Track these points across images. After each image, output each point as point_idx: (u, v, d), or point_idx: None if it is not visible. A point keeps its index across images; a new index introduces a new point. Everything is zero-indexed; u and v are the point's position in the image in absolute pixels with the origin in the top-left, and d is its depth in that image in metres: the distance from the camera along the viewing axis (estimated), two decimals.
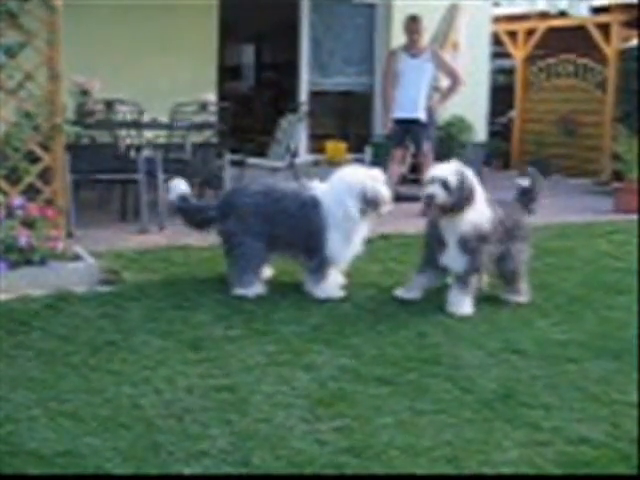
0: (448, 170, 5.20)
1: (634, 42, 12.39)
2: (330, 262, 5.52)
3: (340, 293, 5.54)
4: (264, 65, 15.50)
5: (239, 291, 5.41)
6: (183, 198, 5.72)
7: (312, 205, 5.48)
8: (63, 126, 6.01)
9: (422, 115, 8.76)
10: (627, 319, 5.24)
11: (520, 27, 13.72)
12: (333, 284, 5.57)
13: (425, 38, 8.97)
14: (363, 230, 5.61)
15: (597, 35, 12.35)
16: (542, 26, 13.25)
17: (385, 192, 5.50)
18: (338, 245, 5.49)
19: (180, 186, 5.74)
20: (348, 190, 5.44)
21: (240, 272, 5.47)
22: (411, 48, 8.80)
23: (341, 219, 5.45)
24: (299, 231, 5.50)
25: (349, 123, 12.43)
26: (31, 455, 3.23)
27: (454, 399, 3.93)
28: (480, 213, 5.24)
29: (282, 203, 5.51)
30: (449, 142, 10.73)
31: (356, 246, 5.61)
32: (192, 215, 5.76)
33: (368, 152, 10.66)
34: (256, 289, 5.44)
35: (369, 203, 5.45)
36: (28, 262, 5.45)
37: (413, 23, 8.78)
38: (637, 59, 11.37)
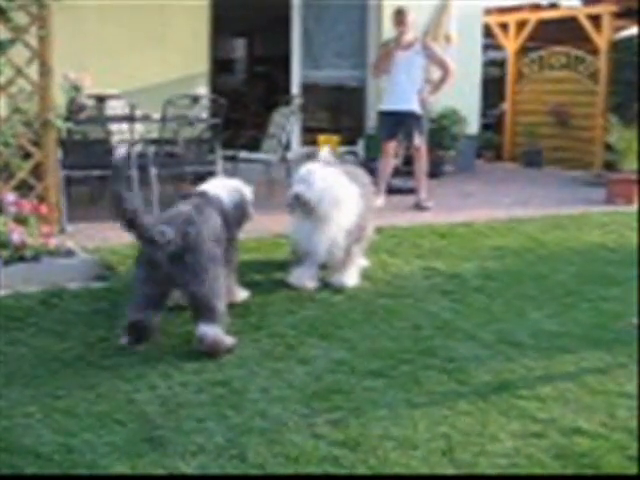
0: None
1: (626, 32, 12.40)
2: None
3: (310, 284, 5.53)
4: (256, 59, 15.46)
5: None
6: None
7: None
8: (54, 122, 5.99)
9: (414, 107, 8.74)
10: (621, 310, 5.24)
11: (511, 19, 13.71)
12: (307, 274, 5.55)
13: (414, 31, 8.94)
14: None
15: (588, 26, 12.35)
16: (533, 18, 13.25)
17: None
18: None
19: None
20: None
21: None
22: (401, 41, 8.78)
23: None
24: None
25: (342, 116, 12.41)
26: (26, 452, 3.23)
27: (449, 391, 3.94)
28: None
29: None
30: (442, 134, 10.73)
31: None
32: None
33: (361, 145, 10.64)
34: None
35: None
36: (21, 258, 5.43)
37: (398, 15, 8.75)
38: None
